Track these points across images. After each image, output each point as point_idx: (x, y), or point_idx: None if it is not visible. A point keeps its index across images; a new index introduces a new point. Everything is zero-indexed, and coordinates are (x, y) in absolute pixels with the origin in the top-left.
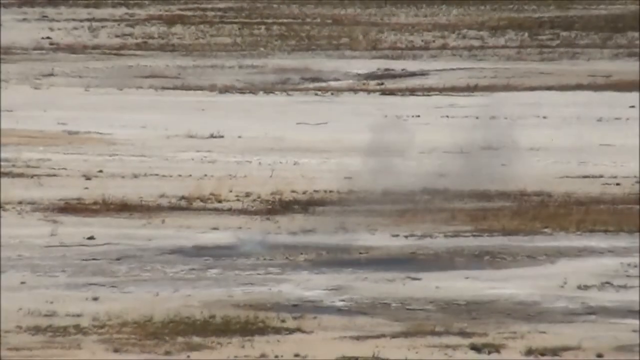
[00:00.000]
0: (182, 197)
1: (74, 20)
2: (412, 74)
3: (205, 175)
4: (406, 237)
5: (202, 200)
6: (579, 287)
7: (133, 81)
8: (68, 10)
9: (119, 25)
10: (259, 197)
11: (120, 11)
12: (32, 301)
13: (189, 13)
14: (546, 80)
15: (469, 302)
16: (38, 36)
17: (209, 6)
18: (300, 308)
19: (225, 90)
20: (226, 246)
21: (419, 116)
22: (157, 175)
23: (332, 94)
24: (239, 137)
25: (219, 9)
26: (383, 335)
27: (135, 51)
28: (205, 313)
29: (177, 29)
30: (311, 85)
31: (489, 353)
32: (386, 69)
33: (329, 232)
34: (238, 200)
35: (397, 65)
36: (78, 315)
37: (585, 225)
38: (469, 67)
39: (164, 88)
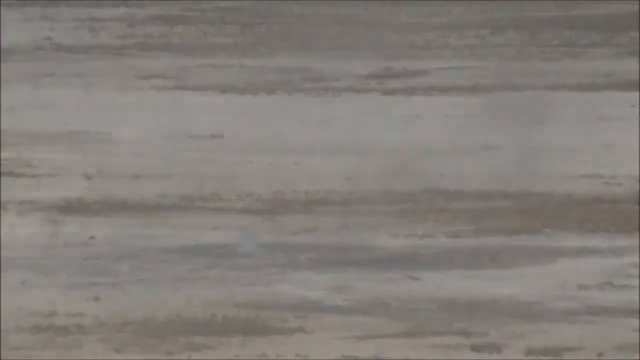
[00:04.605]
0: (183, 197)
1: (74, 20)
2: (413, 73)
3: (206, 174)
4: (407, 236)
5: (202, 200)
6: (580, 287)
7: (134, 81)
8: (69, 10)
9: (119, 24)
10: (260, 197)
11: (121, 11)
12: (33, 301)
13: (190, 13)
14: (547, 80)
15: (469, 301)
16: (39, 36)
17: (210, 6)
18: (301, 308)
19: (226, 90)
20: (227, 246)
21: (420, 116)
22: (158, 174)
23: (333, 93)
24: (240, 136)
25: (220, 9)
26: (384, 335)
27: (136, 51)
28: (207, 313)
29: (178, 28)
30: (312, 85)
31: (490, 352)
32: (387, 69)
33: (330, 231)
34: (239, 199)
35: (398, 65)
36: (79, 315)
37: (585, 225)
38: (470, 66)
39: (164, 88)
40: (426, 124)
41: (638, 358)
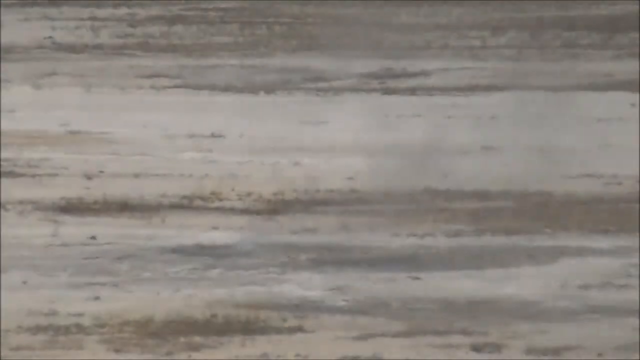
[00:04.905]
0: (183, 197)
1: (75, 19)
2: (413, 74)
3: (207, 174)
4: (407, 236)
5: (203, 200)
6: (580, 287)
7: (134, 81)
8: (69, 10)
9: (120, 24)
10: (260, 197)
11: (122, 11)
12: (33, 301)
13: (190, 13)
14: (547, 80)
15: (470, 301)
16: (39, 36)
17: (210, 6)
18: (301, 308)
19: (227, 90)
20: (227, 245)
21: (420, 116)
22: (158, 174)
23: (333, 93)
24: (240, 136)
25: (220, 9)
26: (384, 335)
27: (136, 51)
28: (207, 313)
29: (178, 28)
30: (312, 85)
31: (490, 352)
32: (387, 69)
33: (330, 231)
34: (239, 199)
35: (398, 65)
36: (79, 315)
37: (586, 225)
38: (469, 67)
39: (164, 88)
40: (426, 124)
41: (638, 358)
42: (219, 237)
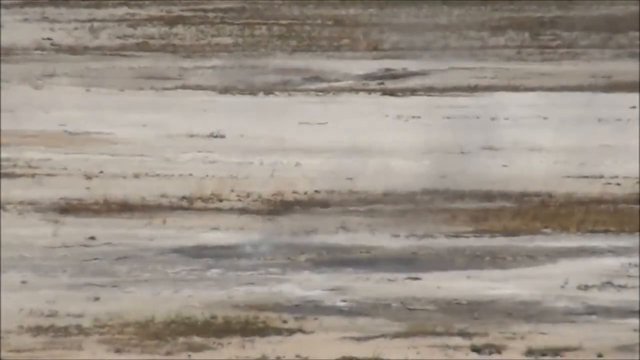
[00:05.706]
0: (183, 197)
1: (75, 20)
2: (413, 74)
3: (207, 175)
4: (407, 237)
5: (203, 201)
6: (580, 287)
7: (134, 81)
8: (69, 11)
9: (119, 25)
10: (260, 198)
11: (121, 11)
12: (33, 301)
13: (190, 14)
14: (547, 81)
15: (469, 302)
16: (39, 37)
17: (210, 7)
18: (301, 308)
19: (226, 90)
20: (227, 246)
21: (419, 116)
22: (158, 175)
23: (333, 94)
24: (240, 137)
25: (220, 10)
26: (384, 336)
27: (136, 51)
28: (206, 313)
29: (178, 29)
30: (312, 85)
31: (490, 353)
32: (387, 69)
33: (330, 232)
34: (239, 200)
35: (398, 66)
36: (79, 316)
37: (585, 226)
38: (469, 67)
39: (164, 88)
40: (426, 124)
41: (638, 358)
42: (219, 238)
